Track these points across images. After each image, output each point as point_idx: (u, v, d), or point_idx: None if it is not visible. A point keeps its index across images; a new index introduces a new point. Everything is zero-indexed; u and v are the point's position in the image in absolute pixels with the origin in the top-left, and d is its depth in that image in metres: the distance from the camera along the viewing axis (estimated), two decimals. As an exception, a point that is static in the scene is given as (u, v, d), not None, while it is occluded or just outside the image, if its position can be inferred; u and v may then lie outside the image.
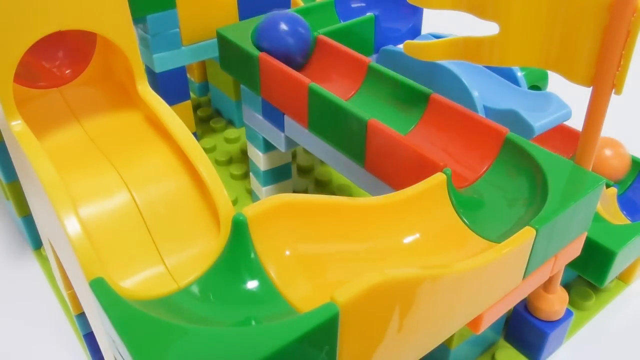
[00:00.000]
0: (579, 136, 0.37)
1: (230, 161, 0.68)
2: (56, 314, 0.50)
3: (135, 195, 0.35)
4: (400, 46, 0.50)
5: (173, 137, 0.37)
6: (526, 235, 0.32)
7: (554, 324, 0.44)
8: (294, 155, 0.68)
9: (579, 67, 0.34)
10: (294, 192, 0.62)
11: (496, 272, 0.32)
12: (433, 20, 0.65)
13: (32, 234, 0.55)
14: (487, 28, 0.38)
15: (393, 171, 0.40)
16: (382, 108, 0.46)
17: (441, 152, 0.41)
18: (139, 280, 0.32)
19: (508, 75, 0.53)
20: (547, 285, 0.43)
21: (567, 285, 0.50)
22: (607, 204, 0.51)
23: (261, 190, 0.59)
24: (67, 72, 0.44)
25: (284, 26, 0.48)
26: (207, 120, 0.76)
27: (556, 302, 0.43)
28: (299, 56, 0.49)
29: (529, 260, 0.33)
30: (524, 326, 0.45)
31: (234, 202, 0.61)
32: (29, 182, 0.38)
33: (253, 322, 0.29)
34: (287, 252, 0.32)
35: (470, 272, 0.30)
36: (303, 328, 0.24)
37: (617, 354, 0.47)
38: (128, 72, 0.41)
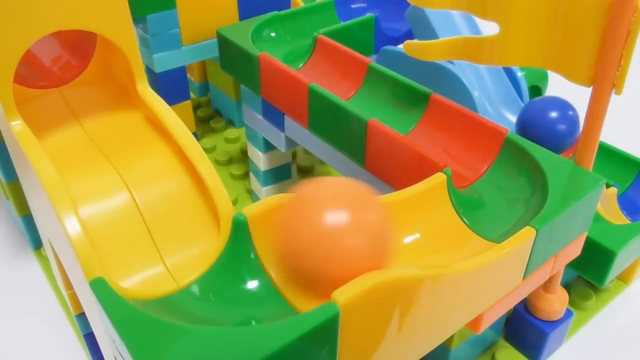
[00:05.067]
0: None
1: (230, 161, 0.68)
2: (56, 314, 0.50)
3: (135, 195, 0.35)
4: (400, 46, 0.50)
5: (173, 137, 0.37)
6: (526, 235, 0.32)
7: (554, 324, 0.44)
8: (294, 155, 0.68)
9: (579, 67, 0.34)
10: (294, 192, 0.62)
11: (496, 272, 0.32)
12: (433, 20, 0.65)
13: (32, 234, 0.55)
14: (487, 28, 0.38)
15: (393, 171, 0.40)
16: (382, 108, 0.46)
17: (441, 152, 0.41)
18: (139, 280, 0.32)
19: (508, 75, 0.53)
20: (547, 285, 0.43)
21: (567, 285, 0.50)
22: (607, 204, 0.51)
23: (261, 190, 0.59)
24: (67, 72, 0.44)
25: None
26: (207, 120, 0.76)
27: (556, 302, 0.43)
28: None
29: (529, 260, 0.33)
30: (524, 326, 0.45)
31: (234, 202, 0.61)
32: (29, 182, 0.38)
33: (253, 322, 0.29)
34: (287, 252, 0.32)
35: (470, 272, 0.30)
36: (303, 328, 0.24)
37: (617, 354, 0.47)
38: (128, 72, 0.41)
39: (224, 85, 0.73)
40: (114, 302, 0.27)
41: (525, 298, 0.44)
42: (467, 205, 0.36)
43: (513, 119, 0.52)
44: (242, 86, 0.54)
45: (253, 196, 0.62)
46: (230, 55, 0.52)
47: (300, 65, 0.52)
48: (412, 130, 0.43)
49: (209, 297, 0.30)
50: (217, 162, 0.67)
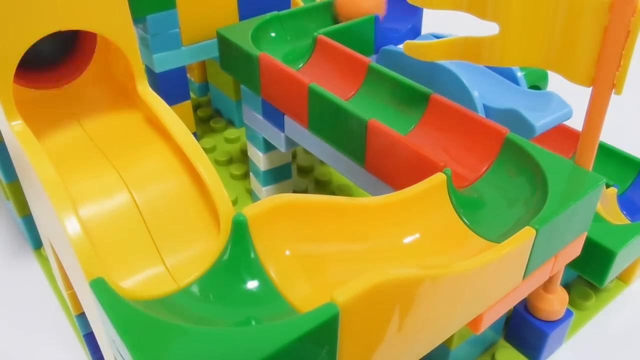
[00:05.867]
0: (579, 136, 0.37)
1: (230, 161, 0.68)
2: (56, 314, 0.50)
3: (135, 195, 0.35)
4: (400, 46, 0.50)
5: (173, 137, 0.37)
6: (526, 235, 0.32)
7: (554, 324, 0.44)
8: (294, 155, 0.68)
9: (579, 67, 0.34)
10: (294, 192, 0.62)
11: (496, 272, 0.32)
12: (433, 20, 0.65)
13: (32, 234, 0.55)
14: (487, 28, 0.38)
15: (393, 171, 0.40)
16: (382, 108, 0.46)
17: (441, 152, 0.41)
18: (139, 280, 0.32)
19: (508, 75, 0.53)
20: (547, 285, 0.43)
21: (567, 285, 0.50)
22: (607, 204, 0.51)
23: (261, 190, 0.59)
24: (67, 72, 0.44)
25: None
26: (207, 120, 0.76)
27: (556, 302, 0.43)
28: None
29: (529, 260, 0.33)
30: (524, 326, 0.45)
31: (234, 202, 0.61)
32: (29, 182, 0.38)
33: (253, 322, 0.29)
34: (287, 252, 0.32)
35: (470, 272, 0.30)
36: (303, 328, 0.24)
37: (617, 354, 0.47)
38: (128, 72, 0.41)
39: (224, 85, 0.73)
40: (114, 302, 0.27)
41: (525, 298, 0.44)
42: (467, 205, 0.36)
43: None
44: (242, 86, 0.54)
45: (253, 196, 0.62)
46: (230, 55, 0.52)
47: (300, 65, 0.52)
48: (412, 130, 0.43)
49: (209, 297, 0.30)
50: (217, 162, 0.67)
